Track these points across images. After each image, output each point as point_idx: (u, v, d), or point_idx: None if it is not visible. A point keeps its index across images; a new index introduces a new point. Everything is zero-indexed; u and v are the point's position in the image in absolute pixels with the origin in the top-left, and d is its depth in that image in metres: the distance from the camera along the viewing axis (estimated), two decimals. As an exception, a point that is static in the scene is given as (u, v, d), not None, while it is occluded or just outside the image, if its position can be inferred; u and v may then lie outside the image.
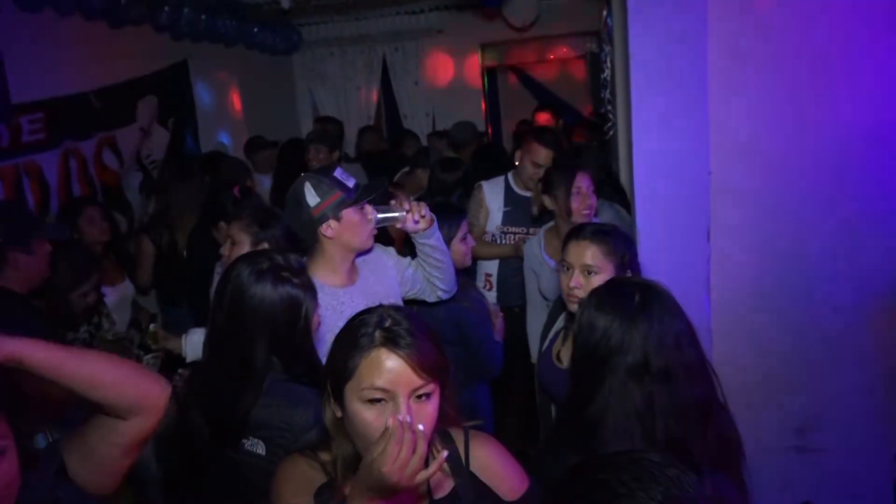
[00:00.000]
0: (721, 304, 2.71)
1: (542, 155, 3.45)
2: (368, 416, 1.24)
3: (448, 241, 2.58)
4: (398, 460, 1.15)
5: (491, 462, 1.42)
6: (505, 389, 3.52)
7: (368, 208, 2.28)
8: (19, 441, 1.19)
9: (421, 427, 1.20)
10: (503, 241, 3.59)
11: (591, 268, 2.13)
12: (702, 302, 2.66)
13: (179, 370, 2.48)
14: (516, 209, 3.56)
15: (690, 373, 1.51)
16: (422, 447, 1.18)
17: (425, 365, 1.26)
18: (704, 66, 2.57)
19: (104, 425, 1.36)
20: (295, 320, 1.80)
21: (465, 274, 2.89)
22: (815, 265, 2.67)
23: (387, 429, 1.19)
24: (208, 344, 1.90)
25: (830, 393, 2.75)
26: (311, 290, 1.87)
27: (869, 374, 2.72)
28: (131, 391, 1.34)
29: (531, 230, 3.50)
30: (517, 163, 3.58)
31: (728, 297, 2.71)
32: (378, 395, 1.24)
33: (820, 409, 2.78)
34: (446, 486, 1.37)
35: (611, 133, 4.78)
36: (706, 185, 2.61)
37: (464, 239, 2.71)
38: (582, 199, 2.92)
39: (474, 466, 1.40)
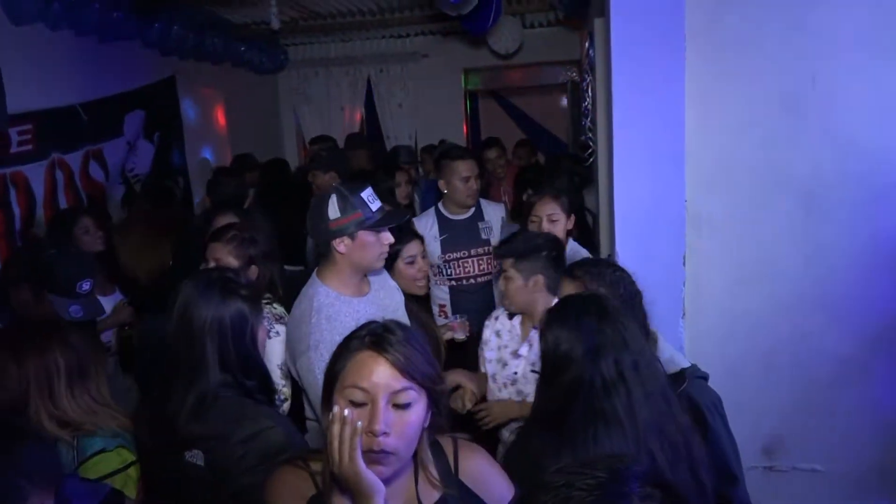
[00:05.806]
0: (694, 326, 2.82)
1: (463, 167, 3.49)
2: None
3: (394, 260, 2.65)
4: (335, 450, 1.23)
5: (479, 471, 1.47)
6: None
7: (386, 234, 2.30)
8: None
9: (359, 424, 1.23)
10: (448, 272, 3.57)
11: None
12: (677, 325, 2.77)
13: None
14: (453, 234, 3.59)
15: (640, 367, 1.64)
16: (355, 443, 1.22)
17: (408, 370, 1.29)
18: (681, 102, 2.70)
19: None
20: (241, 334, 1.84)
21: (418, 303, 2.82)
22: (786, 292, 2.79)
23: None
24: (167, 359, 1.90)
25: (799, 416, 2.86)
26: (256, 305, 1.91)
27: (836, 398, 2.84)
28: None
29: (472, 251, 3.56)
30: (444, 191, 3.58)
31: (701, 321, 2.82)
32: (359, 395, 1.28)
33: (788, 430, 2.88)
34: (434, 495, 1.41)
35: (591, 160, 4.92)
36: (682, 213, 2.73)
37: (412, 262, 2.71)
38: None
39: (463, 475, 1.45)
